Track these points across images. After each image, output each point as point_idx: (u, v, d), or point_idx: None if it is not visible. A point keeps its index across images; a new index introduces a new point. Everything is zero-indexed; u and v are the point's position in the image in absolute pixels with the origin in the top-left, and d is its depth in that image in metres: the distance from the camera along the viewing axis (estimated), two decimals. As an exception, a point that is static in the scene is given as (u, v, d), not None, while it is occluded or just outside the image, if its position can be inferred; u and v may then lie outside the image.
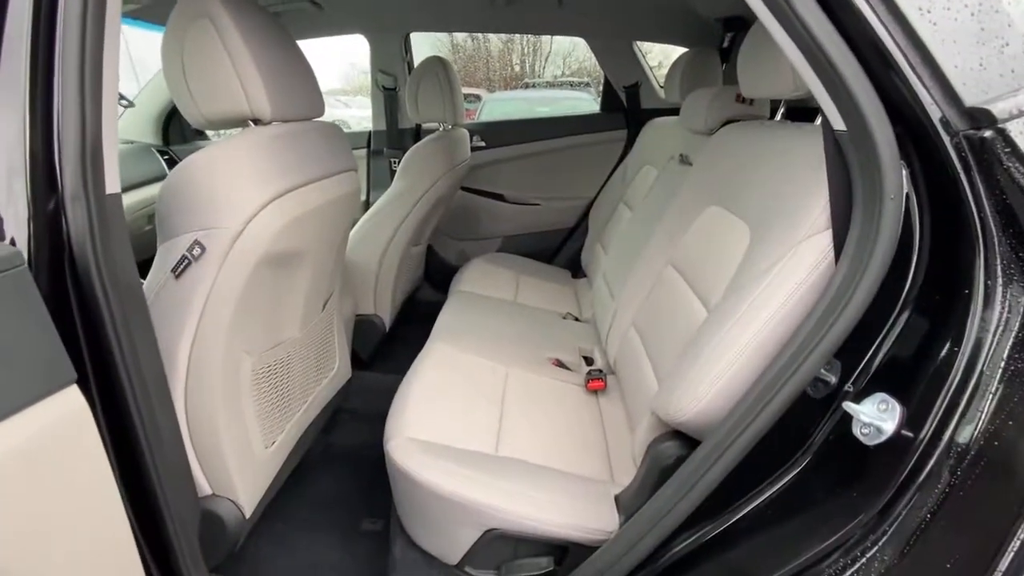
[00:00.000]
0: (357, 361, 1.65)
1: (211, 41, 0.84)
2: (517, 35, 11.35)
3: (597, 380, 1.32)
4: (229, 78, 0.86)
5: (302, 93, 1.02)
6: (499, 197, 2.46)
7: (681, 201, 1.30)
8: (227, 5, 0.84)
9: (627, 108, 2.39)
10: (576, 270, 2.31)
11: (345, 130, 2.18)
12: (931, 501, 0.53)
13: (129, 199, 1.74)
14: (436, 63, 1.86)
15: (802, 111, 1.43)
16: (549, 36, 7.68)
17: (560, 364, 1.44)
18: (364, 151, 2.43)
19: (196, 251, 0.85)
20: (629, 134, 2.39)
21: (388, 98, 2.34)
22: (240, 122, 0.94)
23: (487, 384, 1.25)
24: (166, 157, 2.10)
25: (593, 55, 2.35)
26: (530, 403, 1.22)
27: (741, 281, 0.85)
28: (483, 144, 2.38)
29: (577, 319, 1.81)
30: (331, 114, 7.53)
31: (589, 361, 1.50)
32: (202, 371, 0.91)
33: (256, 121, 0.93)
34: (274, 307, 1.06)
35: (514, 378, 1.30)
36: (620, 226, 1.89)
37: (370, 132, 2.42)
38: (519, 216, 2.48)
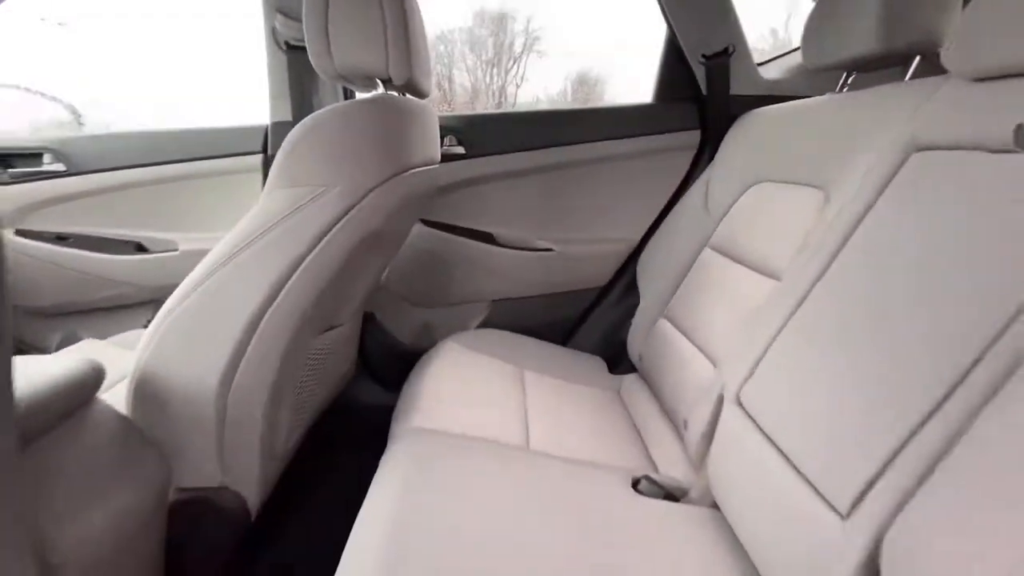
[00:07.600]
0: None
1: None
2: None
3: None
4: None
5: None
6: (487, 238, 1.47)
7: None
8: None
9: (707, 94, 1.39)
10: (615, 357, 1.40)
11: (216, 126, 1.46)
12: None
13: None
14: None
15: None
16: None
17: None
18: (258, 158, 1.41)
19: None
20: (706, 136, 1.41)
21: (294, 63, 1.30)
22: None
23: None
24: None
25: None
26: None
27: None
28: (460, 150, 1.42)
29: (655, 483, 0.83)
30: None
31: None
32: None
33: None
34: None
35: None
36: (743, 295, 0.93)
37: (267, 127, 1.39)
38: (519, 269, 1.48)
